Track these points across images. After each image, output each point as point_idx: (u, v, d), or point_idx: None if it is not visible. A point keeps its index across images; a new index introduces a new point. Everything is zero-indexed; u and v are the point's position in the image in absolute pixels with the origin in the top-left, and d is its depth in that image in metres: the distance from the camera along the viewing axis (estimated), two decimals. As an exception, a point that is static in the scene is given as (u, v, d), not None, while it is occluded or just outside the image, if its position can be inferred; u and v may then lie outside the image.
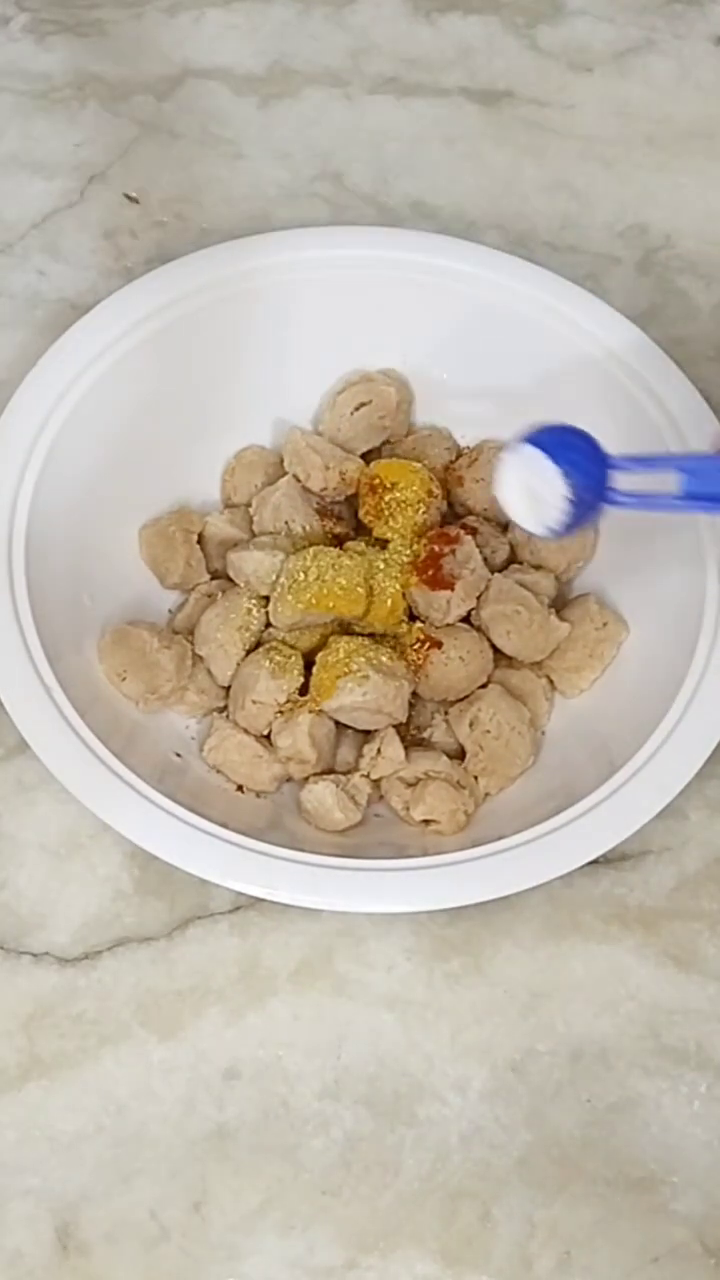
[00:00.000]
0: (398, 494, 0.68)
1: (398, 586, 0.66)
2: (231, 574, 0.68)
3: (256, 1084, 0.58)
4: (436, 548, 0.66)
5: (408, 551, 0.67)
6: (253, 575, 0.67)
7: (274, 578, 0.66)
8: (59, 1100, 0.58)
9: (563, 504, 0.55)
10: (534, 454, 0.56)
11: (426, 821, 0.63)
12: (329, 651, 0.64)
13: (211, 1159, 0.57)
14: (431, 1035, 0.59)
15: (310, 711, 0.64)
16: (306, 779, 0.64)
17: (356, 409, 0.71)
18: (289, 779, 0.65)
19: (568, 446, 0.56)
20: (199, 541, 0.70)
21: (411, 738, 0.66)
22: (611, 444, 0.57)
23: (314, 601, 0.64)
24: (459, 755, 0.65)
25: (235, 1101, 0.58)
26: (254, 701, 0.64)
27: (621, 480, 0.57)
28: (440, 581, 0.65)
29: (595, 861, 0.59)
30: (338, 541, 0.69)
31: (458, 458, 0.72)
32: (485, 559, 0.67)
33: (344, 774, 0.65)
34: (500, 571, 0.68)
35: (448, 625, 0.66)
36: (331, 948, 0.60)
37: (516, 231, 0.80)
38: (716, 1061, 0.59)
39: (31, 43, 0.86)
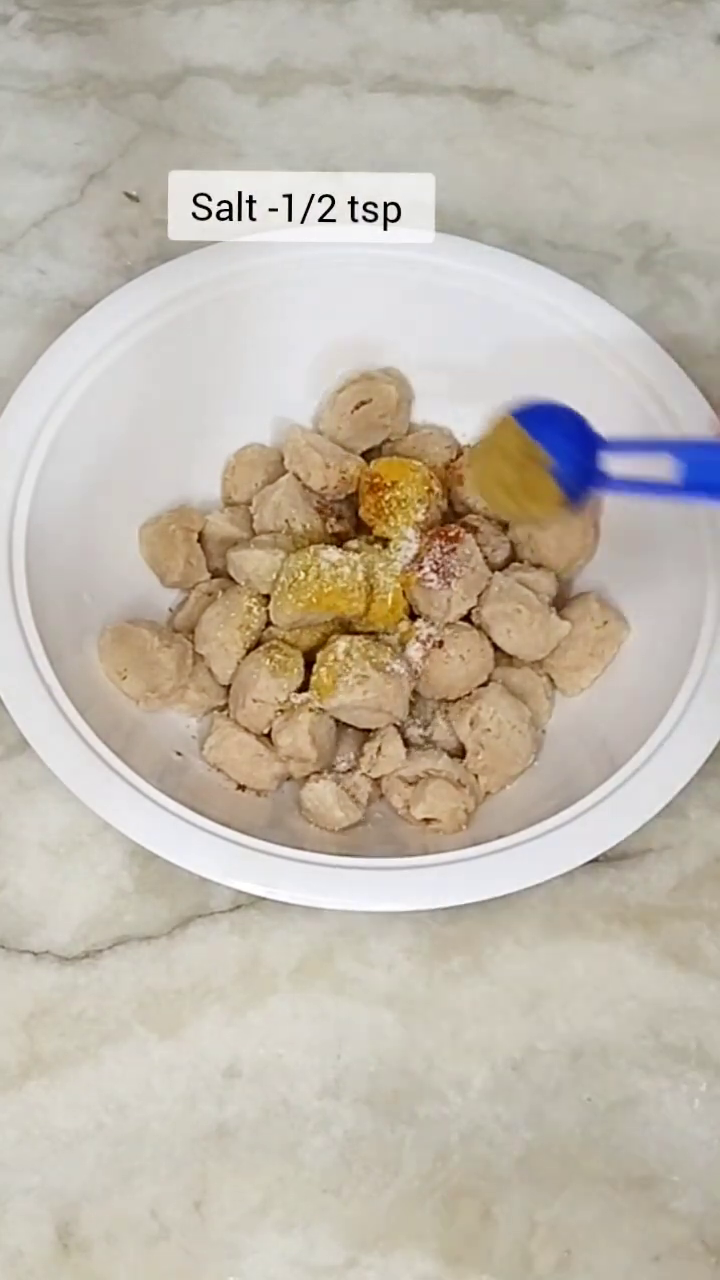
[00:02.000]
0: (398, 492, 0.68)
1: (398, 585, 0.66)
2: (232, 573, 0.68)
3: (257, 1082, 0.58)
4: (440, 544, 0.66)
5: (408, 550, 0.67)
6: (253, 574, 0.67)
7: (274, 576, 0.66)
8: (59, 1099, 0.58)
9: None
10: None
11: (427, 820, 0.63)
12: (329, 650, 0.64)
13: (212, 1157, 0.57)
14: (432, 1034, 0.59)
15: (311, 710, 0.64)
16: (307, 778, 0.64)
17: (356, 408, 0.71)
18: (289, 778, 0.65)
19: (552, 422, 0.56)
20: (199, 540, 0.70)
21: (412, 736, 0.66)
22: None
23: (314, 600, 0.64)
24: (459, 754, 0.65)
25: (235, 1100, 0.58)
26: (254, 700, 0.64)
27: (615, 464, 0.56)
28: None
29: (596, 860, 0.59)
30: (338, 540, 0.69)
31: (458, 456, 0.72)
32: (485, 557, 0.67)
33: (344, 772, 0.65)
34: (501, 570, 0.68)
35: (448, 624, 0.66)
36: (332, 946, 0.60)
37: (517, 230, 0.80)
38: (717, 1060, 0.59)
39: (32, 41, 0.86)
